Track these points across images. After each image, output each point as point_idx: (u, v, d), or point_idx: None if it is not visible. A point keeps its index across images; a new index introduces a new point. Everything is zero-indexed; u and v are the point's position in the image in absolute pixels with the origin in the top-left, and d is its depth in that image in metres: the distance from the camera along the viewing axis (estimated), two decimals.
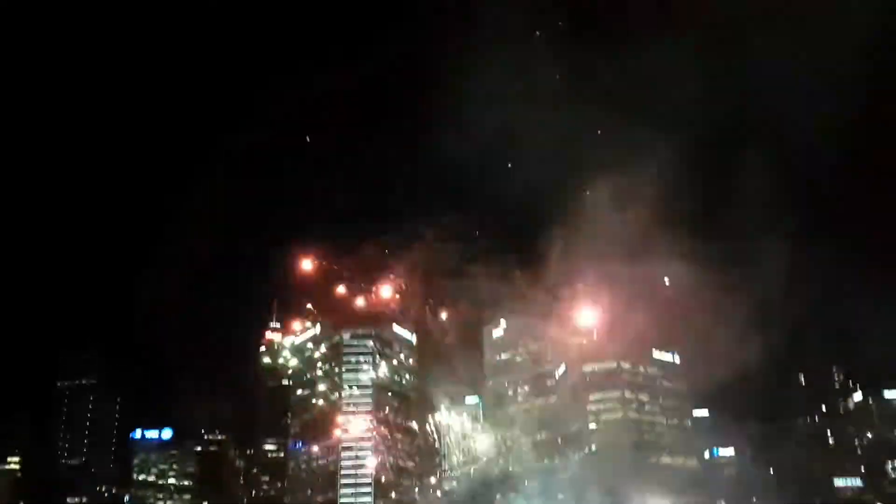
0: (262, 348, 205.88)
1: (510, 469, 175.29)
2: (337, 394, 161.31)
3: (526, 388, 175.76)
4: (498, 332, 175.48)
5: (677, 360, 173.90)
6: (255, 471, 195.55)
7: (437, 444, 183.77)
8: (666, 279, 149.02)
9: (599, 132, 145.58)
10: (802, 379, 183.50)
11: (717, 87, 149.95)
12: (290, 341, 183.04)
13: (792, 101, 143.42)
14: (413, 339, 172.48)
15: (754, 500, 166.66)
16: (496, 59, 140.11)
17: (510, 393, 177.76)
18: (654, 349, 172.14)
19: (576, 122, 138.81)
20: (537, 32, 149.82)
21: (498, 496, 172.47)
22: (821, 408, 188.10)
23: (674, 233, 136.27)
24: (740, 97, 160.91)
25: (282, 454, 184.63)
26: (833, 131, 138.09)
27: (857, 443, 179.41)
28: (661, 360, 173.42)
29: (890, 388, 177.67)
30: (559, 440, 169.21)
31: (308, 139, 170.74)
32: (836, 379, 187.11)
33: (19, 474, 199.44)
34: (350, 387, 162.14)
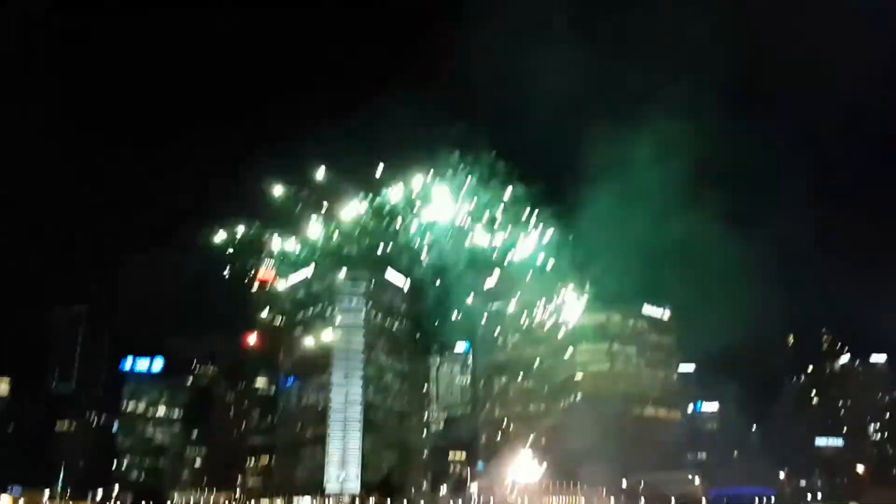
0: (256, 285, 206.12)
1: (496, 414, 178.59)
2: (330, 333, 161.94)
3: (515, 336, 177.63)
4: (491, 282, 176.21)
5: (667, 314, 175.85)
6: (245, 405, 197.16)
7: (426, 388, 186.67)
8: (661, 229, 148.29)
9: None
10: (791, 339, 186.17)
11: None
12: (285, 280, 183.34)
13: None
14: (406, 284, 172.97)
15: (735, 454, 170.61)
16: None
17: (500, 341, 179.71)
18: (644, 303, 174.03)
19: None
20: None
21: (483, 438, 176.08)
22: (807, 369, 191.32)
23: (674, 181, 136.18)
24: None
25: (273, 390, 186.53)
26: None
27: (840, 404, 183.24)
28: (651, 315, 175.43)
29: (877, 352, 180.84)
30: (546, 388, 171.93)
31: None
32: (825, 341, 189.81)
33: (9, 399, 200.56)
34: (342, 327, 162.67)
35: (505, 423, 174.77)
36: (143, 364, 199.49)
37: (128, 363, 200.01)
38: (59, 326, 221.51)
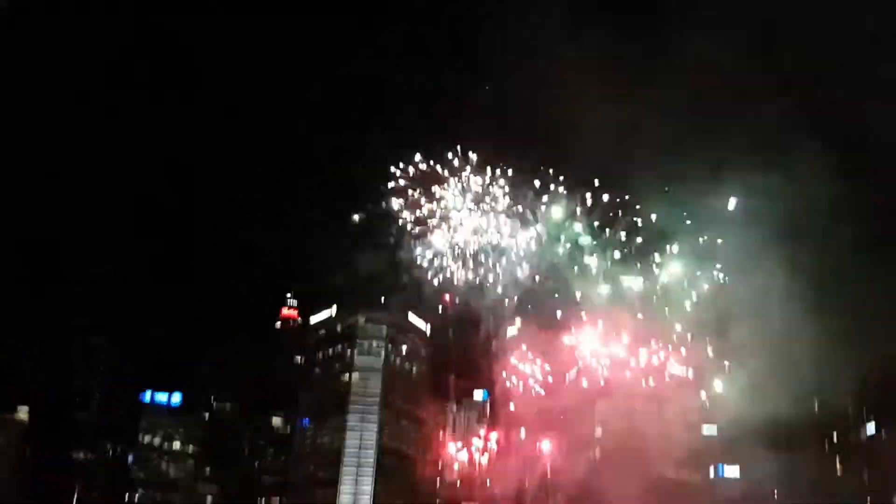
0: (279, 323, 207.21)
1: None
2: (347, 376, 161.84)
3: (535, 387, 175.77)
4: (512, 331, 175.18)
5: (691, 374, 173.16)
6: (261, 443, 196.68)
7: (442, 435, 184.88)
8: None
9: None
10: (816, 405, 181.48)
11: None
12: (307, 319, 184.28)
13: None
14: (427, 328, 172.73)
15: None
16: None
17: (520, 391, 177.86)
18: (668, 362, 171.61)
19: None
20: None
21: (497, 491, 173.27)
22: (832, 436, 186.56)
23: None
24: None
25: (289, 429, 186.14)
26: None
27: (865, 474, 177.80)
28: (675, 374, 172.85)
29: None
30: (565, 443, 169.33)
31: None
32: (850, 409, 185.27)
33: (27, 426, 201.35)
34: (361, 369, 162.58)
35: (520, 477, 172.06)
36: (161, 397, 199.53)
37: (147, 395, 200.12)
38: (82, 355, 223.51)
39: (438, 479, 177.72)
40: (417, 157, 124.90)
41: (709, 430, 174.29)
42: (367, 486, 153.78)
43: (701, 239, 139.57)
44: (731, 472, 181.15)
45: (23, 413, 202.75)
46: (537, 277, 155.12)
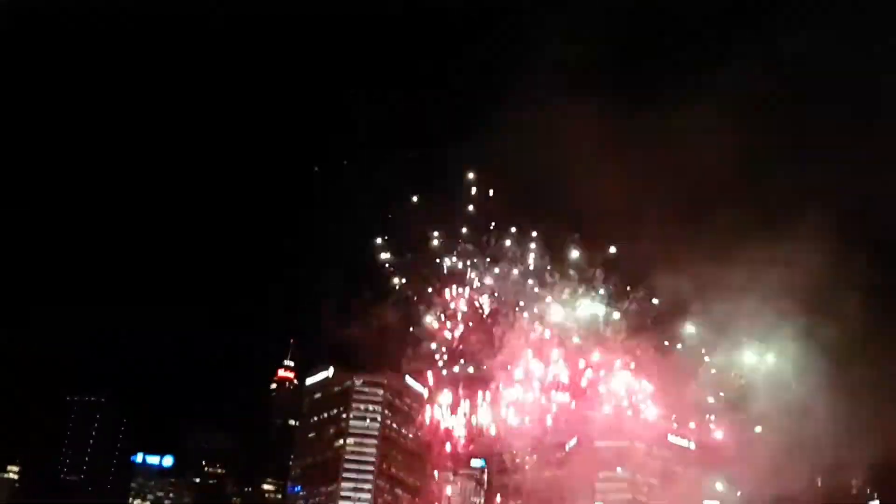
0: (273, 385, 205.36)
1: None
2: (342, 440, 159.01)
3: (534, 456, 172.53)
4: (511, 397, 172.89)
5: (692, 445, 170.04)
6: None
7: None
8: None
9: None
10: (819, 482, 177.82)
11: None
12: (302, 382, 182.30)
13: None
14: (425, 392, 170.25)
15: None
16: None
17: (517, 460, 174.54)
18: (669, 433, 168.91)
19: None
20: None
21: None
22: None
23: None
24: None
25: (280, 496, 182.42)
26: None
27: None
28: (677, 445, 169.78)
29: None
30: None
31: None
32: (854, 486, 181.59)
33: (17, 484, 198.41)
34: (356, 435, 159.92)
35: None
36: (153, 459, 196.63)
37: (139, 457, 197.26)
38: (76, 414, 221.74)
39: None
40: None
41: None
42: None
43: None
44: None
45: (12, 472, 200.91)
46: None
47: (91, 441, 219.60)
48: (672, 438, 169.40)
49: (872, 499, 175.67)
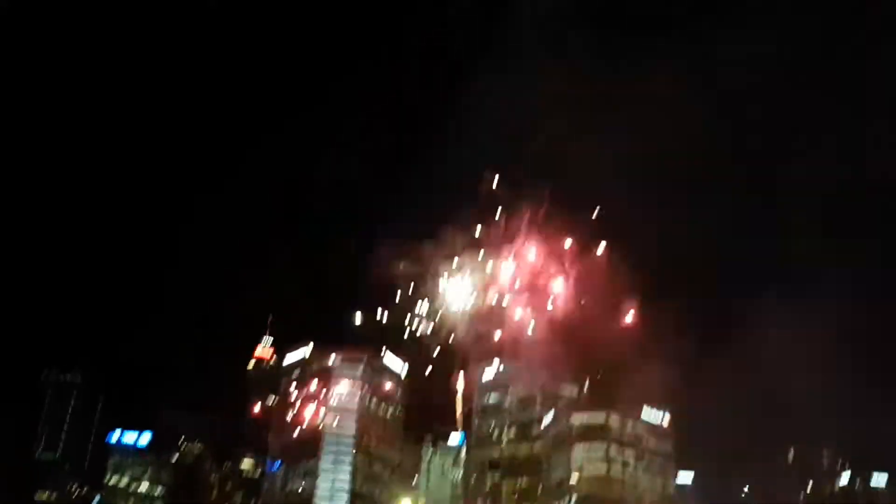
0: (252, 363, 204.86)
1: None
2: (321, 417, 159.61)
3: (512, 432, 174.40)
4: (489, 374, 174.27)
5: (666, 420, 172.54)
6: (229, 487, 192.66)
7: (415, 480, 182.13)
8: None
9: None
10: (791, 454, 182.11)
11: None
12: (280, 360, 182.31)
13: None
14: (404, 370, 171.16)
15: None
16: None
17: (495, 436, 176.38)
18: (644, 406, 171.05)
19: None
20: None
21: None
22: (807, 486, 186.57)
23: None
24: None
25: (259, 472, 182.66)
26: None
27: None
28: (650, 420, 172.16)
29: (878, 470, 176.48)
30: (540, 489, 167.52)
31: None
32: (825, 458, 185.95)
33: None
34: (335, 412, 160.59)
35: None
36: (130, 437, 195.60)
37: (115, 435, 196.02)
38: (52, 392, 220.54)
39: None
40: None
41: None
42: None
43: None
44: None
45: None
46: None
47: (66, 420, 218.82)
48: (646, 413, 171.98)
49: (844, 471, 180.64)
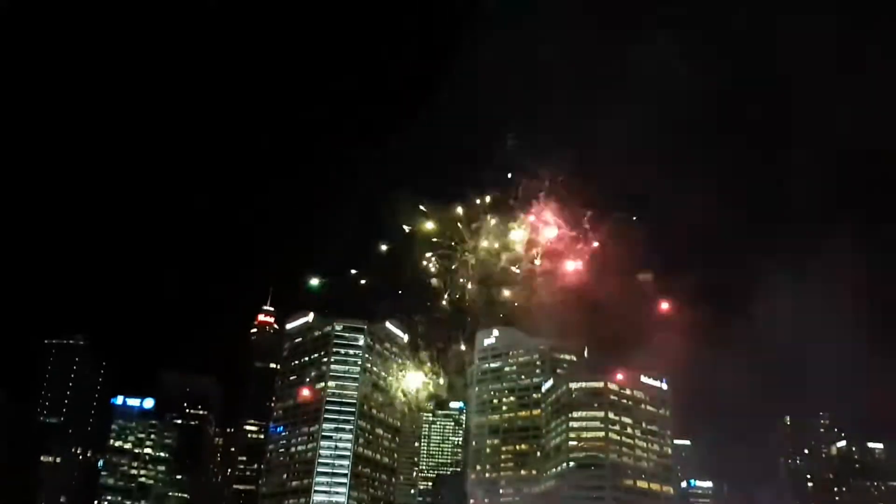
0: (254, 330, 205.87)
1: (487, 476, 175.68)
2: (323, 383, 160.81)
3: (511, 398, 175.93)
4: (489, 341, 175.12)
5: (665, 386, 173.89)
6: (233, 450, 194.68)
7: (417, 444, 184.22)
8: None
9: None
10: (788, 420, 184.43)
11: None
12: (282, 326, 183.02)
13: None
14: (405, 338, 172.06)
15: None
16: None
17: (495, 401, 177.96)
18: (643, 373, 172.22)
19: None
20: None
21: (472, 502, 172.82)
22: (803, 451, 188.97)
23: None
24: None
25: (262, 436, 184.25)
26: None
27: (835, 489, 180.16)
28: (649, 385, 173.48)
29: (874, 440, 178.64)
30: (539, 453, 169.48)
31: None
32: (822, 424, 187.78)
33: None
34: (337, 378, 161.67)
35: (495, 486, 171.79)
36: (133, 401, 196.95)
37: (119, 400, 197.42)
38: (57, 357, 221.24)
39: (413, 489, 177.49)
40: None
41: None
42: (341, 497, 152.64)
43: None
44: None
45: None
46: None
47: (70, 383, 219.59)
48: (645, 378, 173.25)
49: (840, 438, 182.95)
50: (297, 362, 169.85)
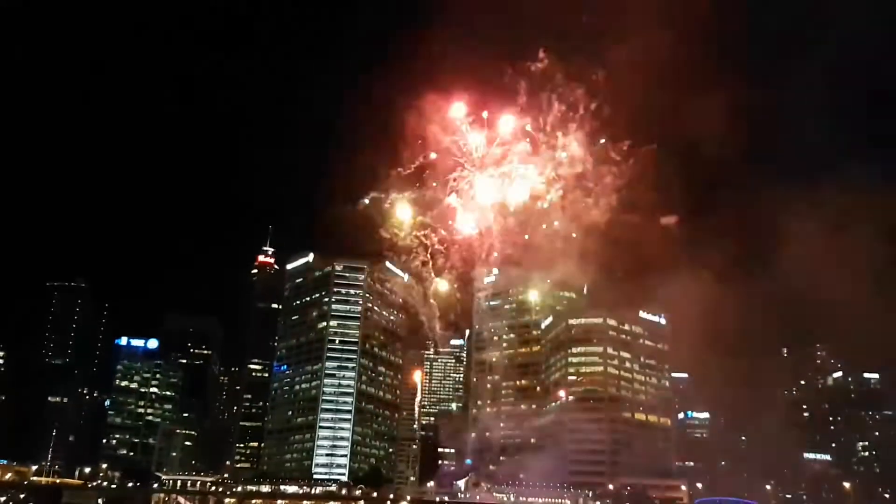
0: (255, 271, 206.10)
1: (488, 410, 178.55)
2: (325, 322, 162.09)
3: (511, 335, 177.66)
4: (489, 279, 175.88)
5: (663, 321, 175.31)
6: (238, 388, 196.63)
7: (419, 381, 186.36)
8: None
9: None
10: (785, 352, 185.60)
11: None
12: (282, 267, 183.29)
13: None
14: (406, 277, 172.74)
15: (723, 463, 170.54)
16: None
17: (495, 338, 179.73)
18: (641, 309, 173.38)
19: None
20: None
21: (472, 435, 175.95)
22: (799, 382, 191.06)
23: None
24: None
25: (266, 374, 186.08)
26: None
27: (831, 419, 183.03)
28: (648, 320, 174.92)
29: (870, 370, 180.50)
30: (538, 388, 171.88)
31: None
32: (818, 356, 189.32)
33: (2, 369, 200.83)
34: (339, 317, 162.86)
35: (496, 420, 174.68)
36: (137, 342, 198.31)
37: (123, 341, 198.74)
38: (59, 299, 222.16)
39: (416, 423, 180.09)
40: None
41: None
42: (346, 432, 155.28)
43: None
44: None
45: None
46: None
47: (73, 325, 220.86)
48: (643, 314, 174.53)
49: (836, 369, 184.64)
50: (298, 302, 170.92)
